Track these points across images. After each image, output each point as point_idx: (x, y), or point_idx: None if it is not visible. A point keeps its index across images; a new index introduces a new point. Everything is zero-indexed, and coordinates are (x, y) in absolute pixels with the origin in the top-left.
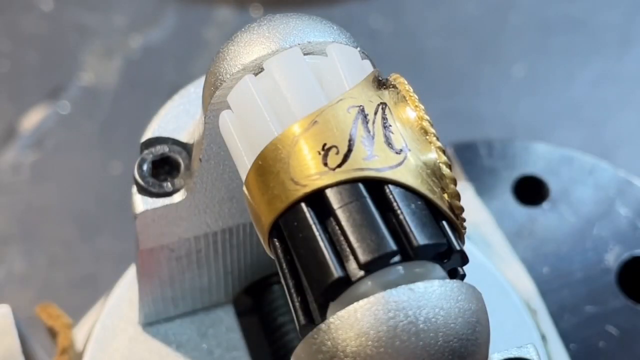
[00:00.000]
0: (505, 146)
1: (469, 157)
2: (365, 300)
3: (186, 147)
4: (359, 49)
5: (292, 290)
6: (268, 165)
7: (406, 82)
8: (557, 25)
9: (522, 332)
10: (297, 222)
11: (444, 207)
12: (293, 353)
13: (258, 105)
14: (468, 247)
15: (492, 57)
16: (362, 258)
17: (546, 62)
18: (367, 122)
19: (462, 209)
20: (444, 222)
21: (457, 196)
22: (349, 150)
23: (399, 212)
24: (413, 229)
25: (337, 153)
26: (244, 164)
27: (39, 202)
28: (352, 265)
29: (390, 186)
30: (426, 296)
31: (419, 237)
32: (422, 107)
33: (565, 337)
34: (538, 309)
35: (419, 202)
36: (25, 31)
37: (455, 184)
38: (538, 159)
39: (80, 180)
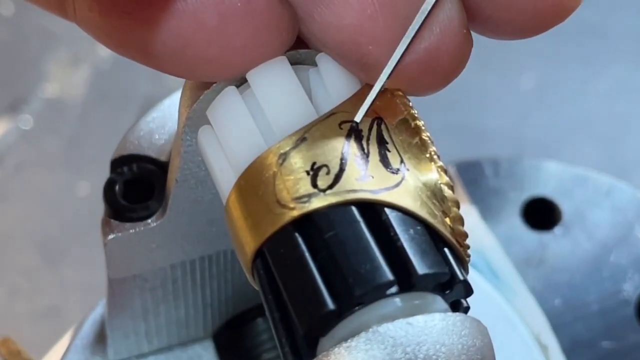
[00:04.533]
0: (512, 165)
1: (473, 177)
2: (359, 335)
3: (161, 166)
4: None
5: (278, 324)
6: (252, 187)
7: (404, 95)
8: (569, 31)
9: None
10: (284, 249)
11: (446, 232)
12: None
13: (240, 121)
14: (472, 277)
15: (498, 67)
16: (356, 289)
17: (557, 72)
18: (361, 139)
19: (465, 235)
20: (446, 249)
21: (460, 220)
22: (341, 170)
23: (396, 238)
24: (412, 256)
25: (328, 173)
26: (225, 184)
27: None
28: (345, 297)
29: (386, 209)
30: (426, 331)
31: (419, 266)
32: (422, 121)
33: None
34: (549, 344)
35: (418, 227)
36: None
37: (458, 207)
38: (549, 178)
39: (44, 202)
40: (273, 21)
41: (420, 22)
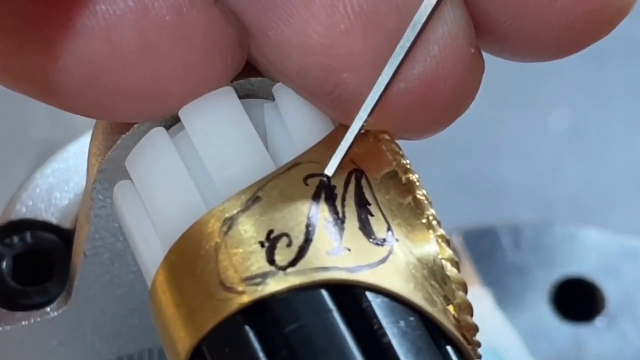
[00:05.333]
0: (539, 233)
1: (486, 249)
2: None
3: (64, 236)
4: None
5: None
6: (186, 263)
7: (392, 139)
8: (613, 53)
9: None
10: (229, 348)
11: (449, 325)
12: None
13: (171, 174)
14: None
15: (520, 100)
16: None
17: (598, 108)
18: (333, 199)
19: (475, 328)
20: (449, 348)
21: (468, 309)
22: (307, 241)
23: (381, 332)
24: (402, 358)
25: (290, 245)
26: (151, 260)
27: None
28: None
29: (368, 294)
30: None
31: None
32: (416, 175)
33: None
34: None
35: (411, 319)
36: None
37: (466, 291)
38: (588, 252)
39: None
40: (214, 40)
41: (413, 38)
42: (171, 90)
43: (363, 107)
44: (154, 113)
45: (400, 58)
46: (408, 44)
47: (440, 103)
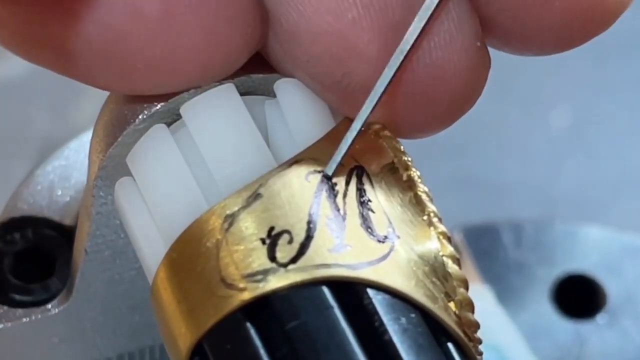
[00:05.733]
0: (540, 230)
1: (487, 246)
2: None
3: (65, 233)
4: None
5: None
6: (187, 260)
7: (393, 135)
8: (615, 50)
9: None
10: (231, 345)
11: (450, 322)
12: None
13: (172, 170)
14: None
15: (522, 98)
16: None
17: (601, 105)
18: (335, 196)
19: (476, 325)
20: (450, 345)
21: (470, 305)
22: (308, 238)
23: (382, 329)
24: (403, 355)
25: (291, 242)
26: (152, 257)
27: None
28: None
29: (369, 291)
30: None
31: None
32: (417, 171)
33: None
34: None
35: (413, 315)
36: None
37: (467, 288)
38: (589, 249)
39: None
40: (236, 11)
41: (419, 30)
42: (190, 60)
43: (366, 103)
44: (171, 85)
45: (407, 50)
46: (414, 36)
47: (446, 96)
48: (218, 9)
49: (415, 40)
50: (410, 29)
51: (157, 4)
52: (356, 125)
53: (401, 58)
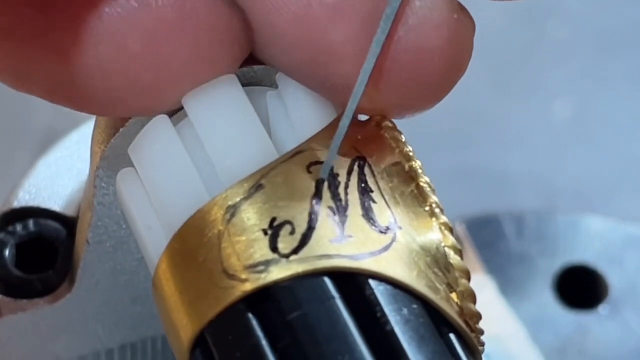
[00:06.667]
0: (542, 221)
1: (489, 237)
2: None
3: (67, 224)
4: None
5: None
6: (189, 251)
7: (395, 127)
8: (617, 42)
9: None
10: (232, 335)
11: (452, 313)
12: None
13: (174, 161)
14: None
15: (523, 90)
16: None
17: (602, 97)
18: (336, 187)
19: (478, 316)
20: (452, 335)
21: (471, 296)
22: (310, 229)
23: (384, 320)
24: (405, 345)
25: (292, 232)
26: (153, 248)
27: None
28: None
29: (371, 282)
30: None
31: (414, 359)
32: (419, 162)
33: None
34: None
35: (414, 306)
36: None
37: (469, 278)
38: (591, 240)
39: None
40: (220, 31)
41: (393, 15)
42: (179, 84)
43: (350, 99)
44: (161, 107)
45: (383, 39)
46: (389, 23)
47: (433, 75)
48: (202, 30)
49: (390, 28)
50: (383, 17)
51: (139, 38)
52: (348, 112)
53: (379, 48)
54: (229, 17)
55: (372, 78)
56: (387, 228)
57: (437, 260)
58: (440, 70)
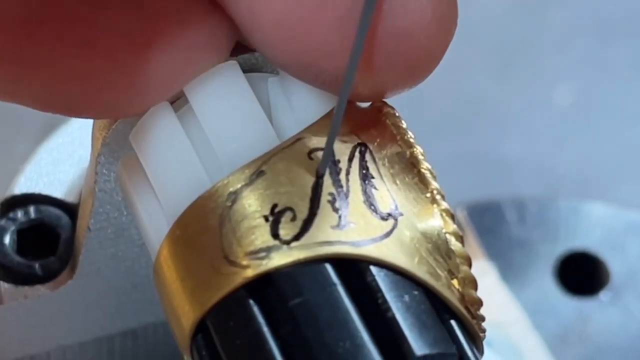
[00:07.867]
0: (543, 207)
1: (491, 224)
2: None
3: (68, 210)
4: None
5: None
6: (190, 237)
7: (396, 113)
8: (618, 28)
9: None
10: (234, 322)
11: (453, 299)
12: None
13: (175, 148)
14: (489, 358)
15: (524, 76)
16: None
17: (604, 83)
18: (338, 173)
19: (479, 302)
20: (453, 322)
21: (473, 283)
22: (311, 215)
23: (385, 307)
24: (407, 332)
25: (294, 219)
26: (155, 234)
27: None
28: None
29: (372, 268)
30: None
31: (416, 345)
32: (420, 149)
33: None
34: None
35: (416, 293)
36: None
37: (470, 265)
38: (592, 226)
39: None
40: (207, 37)
41: (373, 5)
42: (173, 84)
43: (340, 94)
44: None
45: (366, 28)
46: (371, 11)
47: (420, 50)
48: (187, 43)
49: (374, 14)
50: (365, 5)
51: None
52: (343, 96)
53: (364, 37)
54: (220, 26)
55: (362, 65)
56: (389, 214)
57: (438, 247)
58: (427, 48)
